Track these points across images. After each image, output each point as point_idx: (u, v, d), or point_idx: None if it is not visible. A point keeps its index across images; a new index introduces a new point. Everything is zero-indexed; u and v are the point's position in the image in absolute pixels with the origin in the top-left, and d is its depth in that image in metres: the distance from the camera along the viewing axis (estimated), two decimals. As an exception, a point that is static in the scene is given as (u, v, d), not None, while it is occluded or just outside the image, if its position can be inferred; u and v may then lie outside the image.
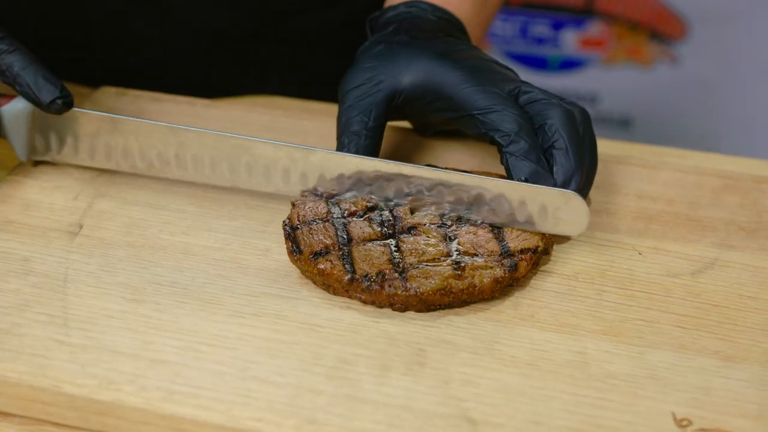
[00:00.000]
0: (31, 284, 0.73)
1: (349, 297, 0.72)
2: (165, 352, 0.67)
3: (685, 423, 0.64)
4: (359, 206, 0.77)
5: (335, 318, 0.71)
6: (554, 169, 0.76)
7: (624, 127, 2.21)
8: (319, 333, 0.69)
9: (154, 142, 0.81)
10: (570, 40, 2.15)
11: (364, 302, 0.72)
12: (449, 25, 0.88)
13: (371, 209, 0.77)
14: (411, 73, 0.81)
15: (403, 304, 0.71)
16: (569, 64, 2.19)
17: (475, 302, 0.72)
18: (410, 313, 0.71)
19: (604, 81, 2.18)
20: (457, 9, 0.90)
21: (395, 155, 0.89)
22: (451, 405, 0.64)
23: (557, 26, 2.16)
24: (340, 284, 0.72)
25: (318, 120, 0.94)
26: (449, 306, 0.72)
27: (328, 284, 0.72)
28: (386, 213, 0.77)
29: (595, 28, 2.14)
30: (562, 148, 0.76)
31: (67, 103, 0.80)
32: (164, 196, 0.83)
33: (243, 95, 1.03)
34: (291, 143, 0.79)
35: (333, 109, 0.85)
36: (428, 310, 0.72)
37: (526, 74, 2.18)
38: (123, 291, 0.72)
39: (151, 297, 0.72)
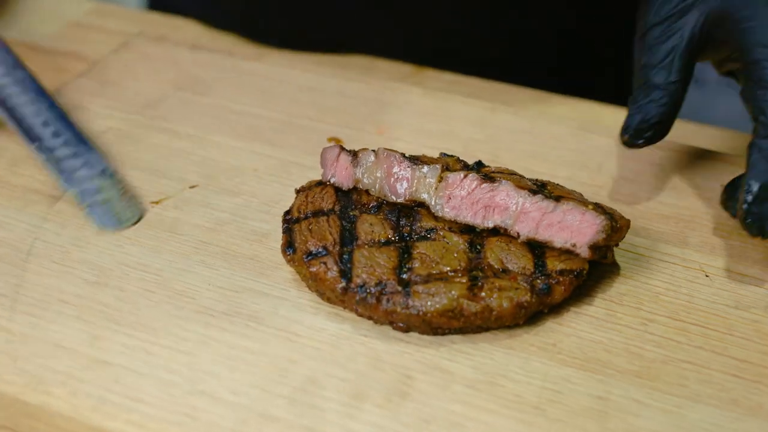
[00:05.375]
0: (-10, 255, 0.65)
1: (344, 308, 0.61)
2: (111, 351, 0.58)
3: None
4: (373, 197, 0.65)
5: (318, 327, 0.60)
6: None
7: None
8: (293, 343, 0.59)
9: None
10: None
11: (360, 316, 0.61)
12: None
13: (388, 202, 0.65)
14: None
15: (404, 324, 0.59)
16: None
17: (493, 329, 0.60)
18: (413, 334, 0.60)
19: None
20: None
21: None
22: (426, 452, 0.53)
23: None
24: (333, 293, 0.60)
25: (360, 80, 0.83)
26: (460, 331, 0.60)
27: (320, 291, 0.62)
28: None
29: None
30: None
31: None
32: (168, 162, 0.73)
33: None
34: None
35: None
36: (435, 334, 0.60)
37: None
38: (88, 271, 0.63)
39: (116, 281, 0.63)
